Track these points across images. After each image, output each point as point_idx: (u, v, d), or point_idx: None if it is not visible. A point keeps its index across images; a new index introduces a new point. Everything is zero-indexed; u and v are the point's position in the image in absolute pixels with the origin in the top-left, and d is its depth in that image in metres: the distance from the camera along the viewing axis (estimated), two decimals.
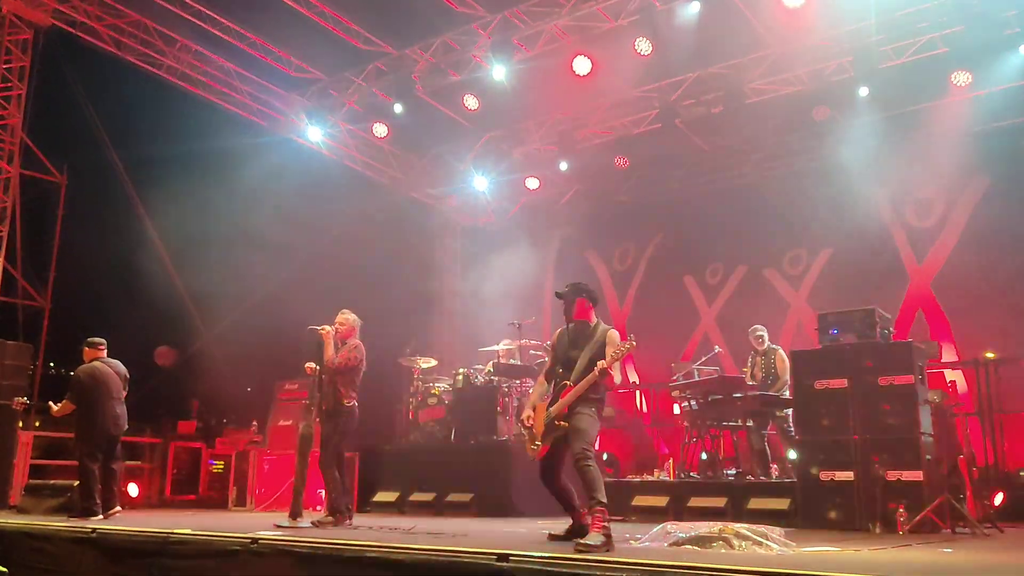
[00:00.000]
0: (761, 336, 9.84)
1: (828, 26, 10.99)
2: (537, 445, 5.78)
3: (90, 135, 12.61)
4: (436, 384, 11.65)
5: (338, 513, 7.35)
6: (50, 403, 8.61)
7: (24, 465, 10.64)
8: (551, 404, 5.76)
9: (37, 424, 11.27)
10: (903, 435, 7.09)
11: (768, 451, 9.16)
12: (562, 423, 5.61)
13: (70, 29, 11.61)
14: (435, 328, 15.84)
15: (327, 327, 7.62)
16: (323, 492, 10.65)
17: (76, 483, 8.50)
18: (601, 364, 5.45)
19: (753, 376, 9.79)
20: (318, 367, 7.65)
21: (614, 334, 5.76)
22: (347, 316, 7.77)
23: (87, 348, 8.69)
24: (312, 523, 7.17)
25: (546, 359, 6.69)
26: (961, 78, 10.94)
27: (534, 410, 5.86)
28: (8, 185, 11.44)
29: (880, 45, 10.85)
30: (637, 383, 13.36)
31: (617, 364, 5.54)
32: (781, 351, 9.70)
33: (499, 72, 11.46)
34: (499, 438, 10.38)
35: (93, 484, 8.20)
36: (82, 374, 8.48)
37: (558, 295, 5.94)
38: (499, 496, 9.75)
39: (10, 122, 11.47)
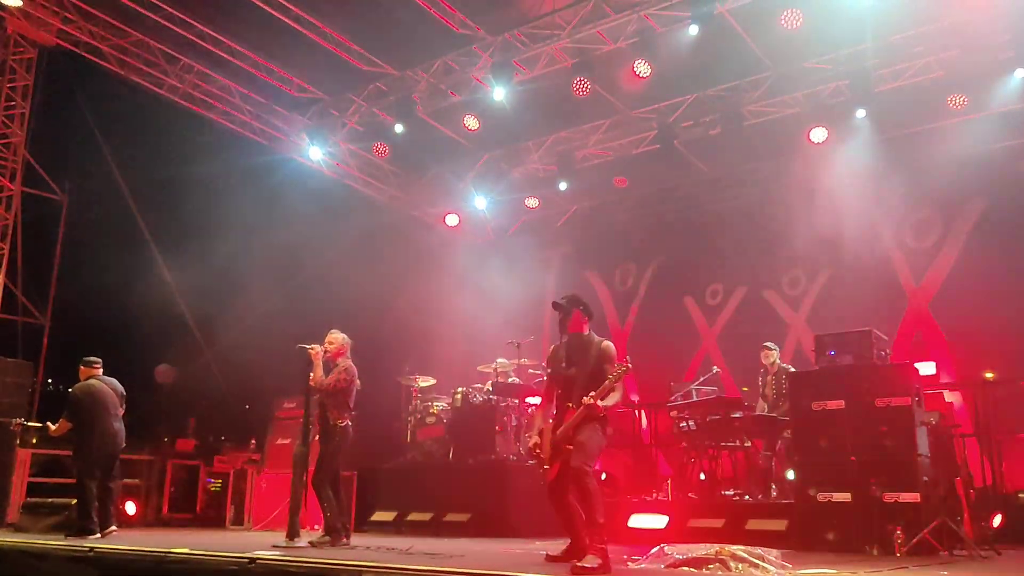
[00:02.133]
0: (770, 353, 9.83)
1: (825, 49, 11.09)
2: (547, 468, 5.75)
3: (92, 154, 12.69)
4: (434, 403, 11.66)
5: (335, 533, 7.32)
6: (47, 423, 8.61)
7: (22, 483, 10.63)
8: (556, 426, 5.71)
9: (35, 442, 11.25)
10: (900, 457, 7.09)
11: (772, 470, 9.15)
12: (569, 446, 5.57)
13: (74, 49, 11.72)
14: (434, 347, 15.84)
15: (316, 347, 7.60)
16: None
17: (74, 501, 8.49)
18: (587, 400, 5.42)
19: (764, 396, 9.77)
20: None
21: (610, 347, 5.73)
22: (336, 336, 7.73)
23: (82, 367, 8.69)
24: (309, 543, 7.16)
25: (544, 378, 6.68)
26: (957, 101, 11.04)
27: (540, 434, 5.80)
28: (10, 203, 11.51)
29: (877, 68, 10.95)
30: (637, 401, 13.33)
31: (618, 386, 5.52)
32: (791, 371, 9.68)
33: (499, 93, 11.54)
34: (497, 457, 10.37)
35: (91, 502, 8.19)
36: (79, 392, 8.47)
37: (555, 305, 5.92)
38: (497, 516, 9.74)
39: (13, 140, 11.56)
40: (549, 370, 6.09)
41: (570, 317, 5.84)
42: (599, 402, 5.43)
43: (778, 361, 9.87)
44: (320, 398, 7.56)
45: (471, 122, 12.59)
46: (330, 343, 7.67)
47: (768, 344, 9.94)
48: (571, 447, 5.53)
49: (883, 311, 11.68)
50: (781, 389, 9.57)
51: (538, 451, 5.75)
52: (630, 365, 5.50)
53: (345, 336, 7.77)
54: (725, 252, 13.77)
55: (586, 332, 5.87)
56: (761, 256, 13.35)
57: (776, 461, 9.19)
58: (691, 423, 9.44)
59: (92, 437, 8.33)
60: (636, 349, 13.91)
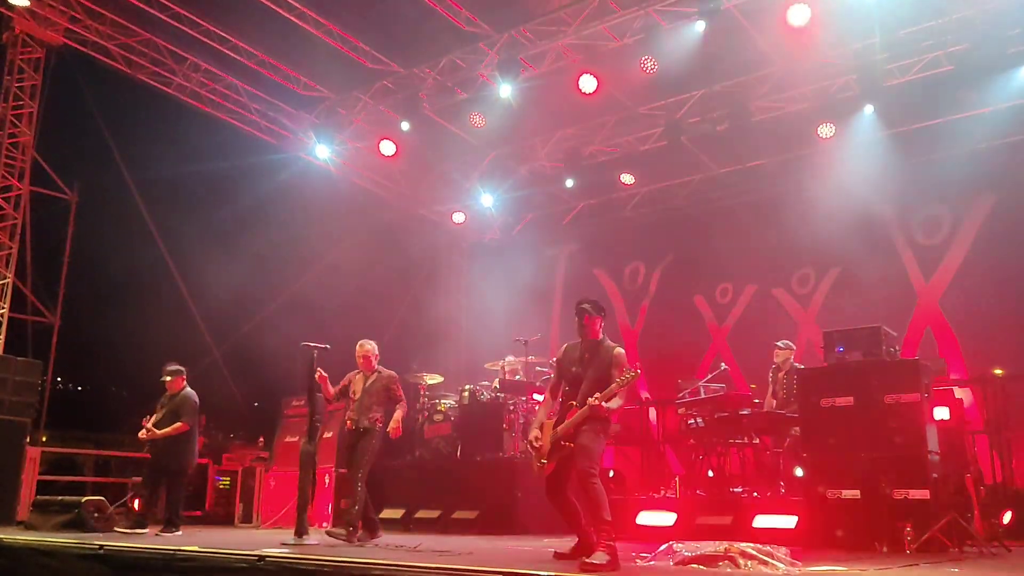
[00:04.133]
0: (782, 352, 9.69)
1: (833, 44, 11.05)
2: (543, 463, 5.78)
3: (100, 153, 12.72)
4: (442, 400, 11.64)
5: (351, 528, 7.38)
6: (151, 419, 8.78)
7: (32, 481, 10.68)
8: (557, 422, 5.76)
9: (44, 440, 11.30)
10: (909, 453, 7.05)
11: (780, 467, 9.10)
12: (568, 443, 5.60)
13: (81, 48, 11.76)
14: (441, 344, 15.86)
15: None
16: (330, 507, 10.74)
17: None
18: (592, 401, 5.45)
19: (774, 394, 9.66)
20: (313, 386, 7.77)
21: (621, 354, 5.75)
22: (367, 346, 7.99)
23: (180, 375, 9.04)
24: (326, 533, 7.44)
25: (551, 376, 6.68)
26: (966, 96, 10.97)
27: (541, 428, 5.85)
28: (19, 202, 11.55)
29: (885, 63, 10.89)
30: (648, 398, 13.28)
31: (621, 393, 5.53)
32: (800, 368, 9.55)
33: (505, 90, 11.53)
34: (505, 455, 10.37)
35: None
36: (196, 398, 8.90)
37: (579, 309, 5.91)
38: (505, 513, 9.73)
39: (21, 140, 11.59)
40: (557, 366, 6.10)
41: (594, 322, 5.88)
42: (604, 404, 5.44)
43: (791, 360, 9.73)
44: (366, 399, 7.80)
45: (477, 119, 12.59)
46: (364, 355, 7.97)
47: (779, 344, 9.74)
48: (570, 445, 5.58)
49: (893, 308, 11.62)
50: (792, 389, 9.43)
51: (537, 442, 5.78)
52: (639, 371, 5.51)
53: (374, 344, 8.09)
54: (734, 250, 13.70)
55: (599, 337, 5.90)
56: (770, 254, 13.30)
57: (783, 458, 9.15)
58: (699, 420, 9.40)
59: (197, 439, 8.92)
60: (647, 347, 13.87)
